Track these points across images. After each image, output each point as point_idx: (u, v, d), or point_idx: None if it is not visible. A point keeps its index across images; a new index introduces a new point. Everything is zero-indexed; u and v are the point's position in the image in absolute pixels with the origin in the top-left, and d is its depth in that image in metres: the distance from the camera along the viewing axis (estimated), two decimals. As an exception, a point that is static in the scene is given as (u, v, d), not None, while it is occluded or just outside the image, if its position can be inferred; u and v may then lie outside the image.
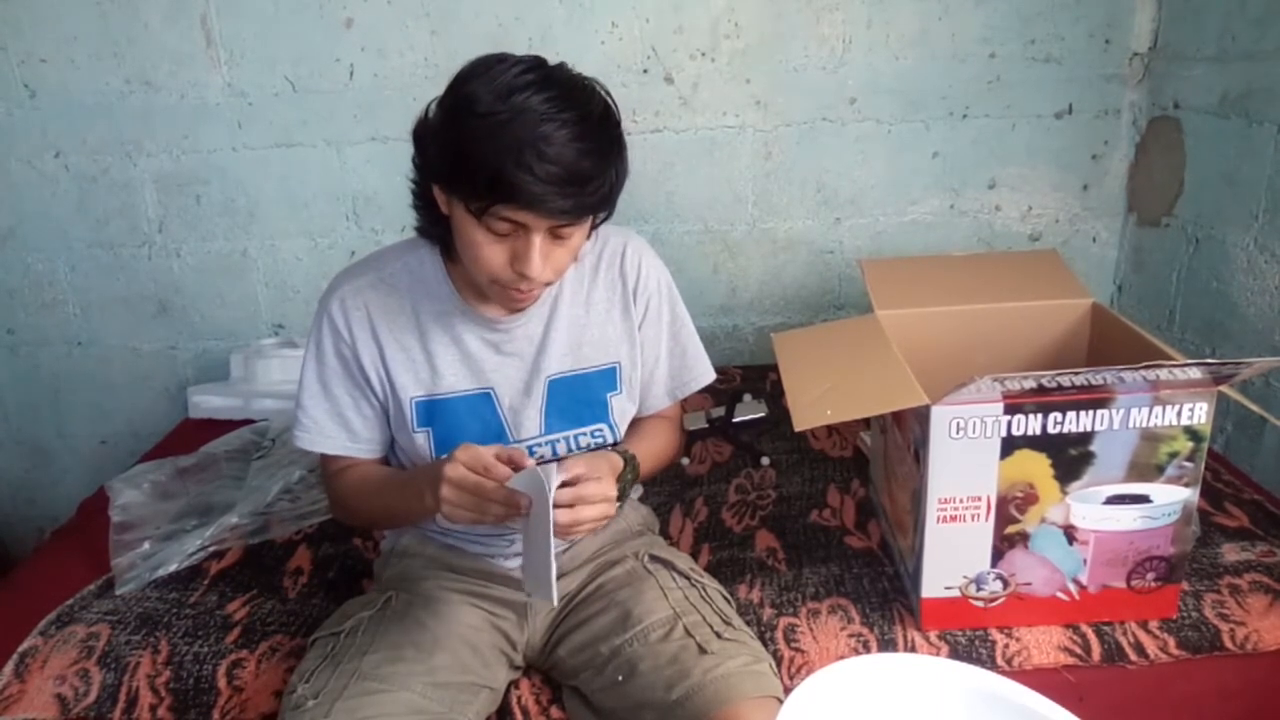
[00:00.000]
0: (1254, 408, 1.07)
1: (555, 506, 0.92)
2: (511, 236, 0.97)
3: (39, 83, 1.98)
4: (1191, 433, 1.10)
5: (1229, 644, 1.17)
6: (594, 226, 1.05)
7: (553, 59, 0.99)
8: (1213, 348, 1.78)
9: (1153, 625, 1.20)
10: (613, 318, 1.17)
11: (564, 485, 0.96)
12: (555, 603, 0.97)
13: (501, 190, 0.91)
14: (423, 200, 1.07)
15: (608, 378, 1.17)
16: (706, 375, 1.25)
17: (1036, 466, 1.12)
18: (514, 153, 0.90)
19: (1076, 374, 1.05)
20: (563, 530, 0.95)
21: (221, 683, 1.20)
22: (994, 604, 1.19)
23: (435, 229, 1.08)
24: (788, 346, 1.32)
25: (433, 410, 1.12)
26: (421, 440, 1.12)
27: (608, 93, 0.99)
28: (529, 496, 0.93)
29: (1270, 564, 1.28)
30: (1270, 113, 1.58)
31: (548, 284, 1.04)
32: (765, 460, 1.67)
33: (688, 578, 1.17)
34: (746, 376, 2.05)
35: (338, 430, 1.14)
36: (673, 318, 1.22)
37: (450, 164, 0.96)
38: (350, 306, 1.10)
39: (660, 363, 1.22)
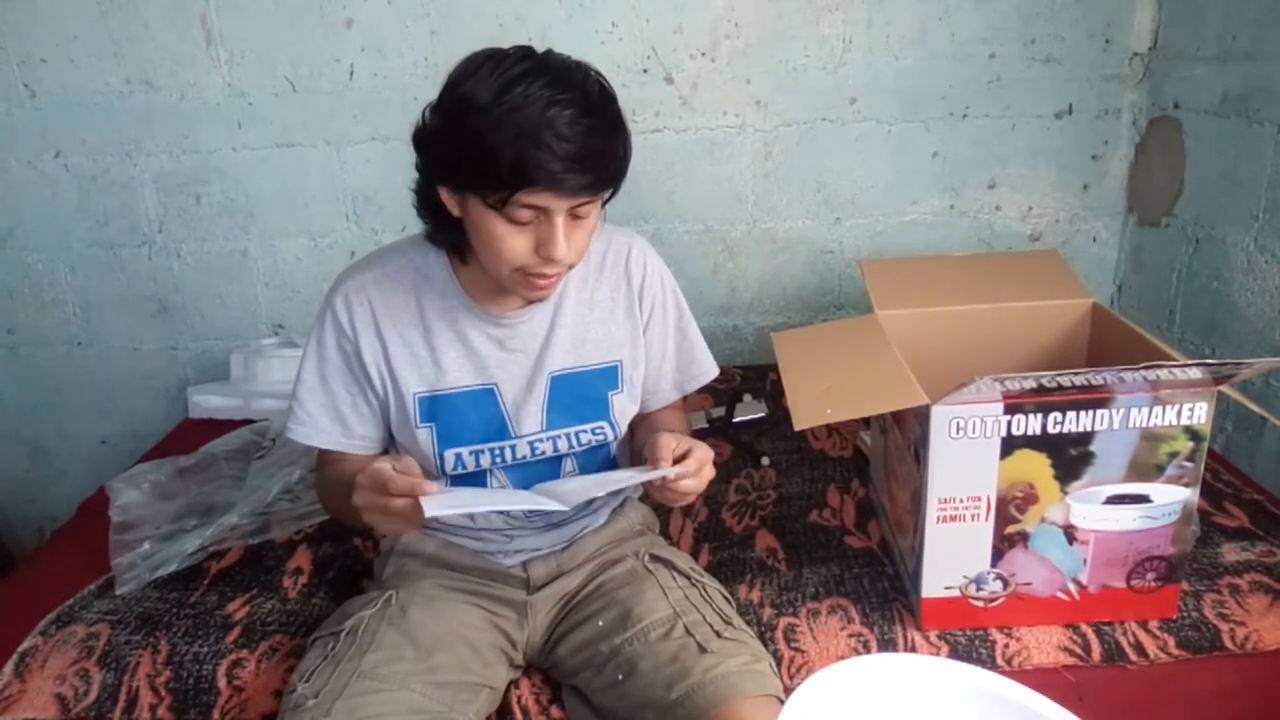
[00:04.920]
0: (1254, 408, 1.07)
1: (680, 479, 1.01)
2: (533, 224, 0.98)
3: (39, 83, 1.98)
4: (1191, 433, 1.10)
5: (1229, 644, 1.17)
6: (604, 204, 1.05)
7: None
8: (1213, 348, 1.78)
9: (1153, 625, 1.20)
10: (616, 317, 1.18)
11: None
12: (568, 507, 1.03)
13: (523, 175, 0.92)
14: (429, 206, 1.07)
15: (609, 376, 1.17)
16: (711, 371, 1.27)
17: (1036, 466, 1.12)
18: (529, 137, 0.91)
19: (1076, 374, 1.05)
20: (681, 496, 1.03)
21: (221, 683, 1.20)
22: (994, 604, 1.19)
23: (445, 234, 1.08)
24: (788, 346, 1.32)
25: (435, 406, 1.12)
26: (424, 436, 1.12)
27: (599, 73, 1.00)
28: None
29: (1270, 564, 1.28)
30: (1270, 113, 1.58)
31: (571, 267, 1.04)
32: (765, 460, 1.67)
33: (688, 577, 1.17)
34: (746, 376, 2.05)
35: (332, 425, 1.14)
36: (678, 315, 1.23)
37: (461, 162, 0.96)
38: (354, 302, 1.10)
39: (667, 358, 1.23)
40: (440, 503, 0.93)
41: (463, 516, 1.19)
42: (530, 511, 1.18)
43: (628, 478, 1.09)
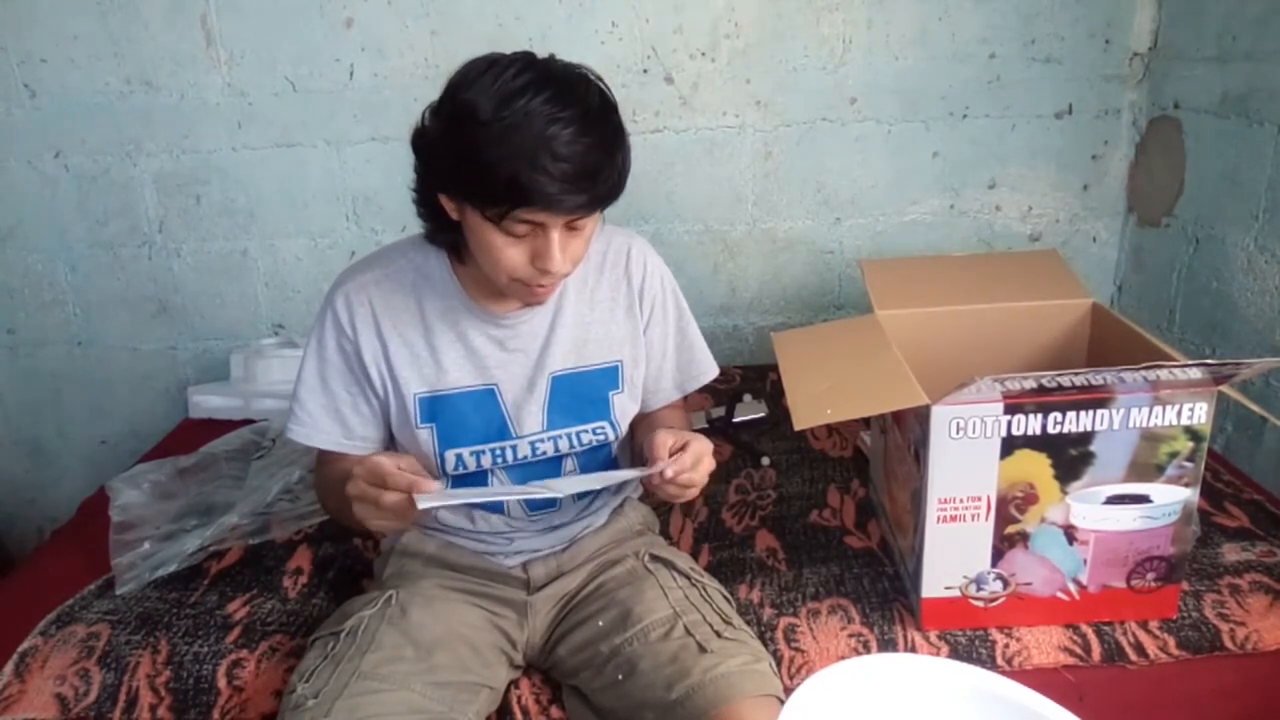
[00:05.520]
0: (1254, 408, 1.08)
1: (678, 475, 1.01)
2: (529, 235, 0.98)
3: (39, 83, 1.98)
4: (1191, 433, 1.10)
5: (1229, 644, 1.17)
6: (602, 210, 1.05)
7: (551, 59, 0.99)
8: (1213, 348, 1.78)
9: (1153, 625, 1.20)
10: (616, 316, 1.18)
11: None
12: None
13: (519, 194, 0.92)
14: (428, 207, 1.07)
15: (610, 376, 1.17)
16: (711, 370, 1.27)
17: (1036, 466, 1.12)
18: (526, 157, 0.91)
19: (1076, 374, 1.05)
20: (681, 490, 1.03)
21: (221, 683, 1.20)
22: (994, 604, 1.19)
23: (445, 235, 1.09)
24: (788, 346, 1.32)
25: (436, 406, 1.12)
26: (425, 436, 1.12)
27: (599, 78, 0.99)
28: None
29: (1270, 564, 1.28)
30: (1270, 113, 1.58)
31: (566, 275, 1.05)
32: (765, 460, 1.67)
33: (688, 577, 1.17)
34: (746, 376, 2.05)
35: (333, 425, 1.14)
36: (678, 315, 1.24)
37: (460, 174, 0.96)
38: (355, 302, 1.10)
39: (668, 358, 1.24)
40: (434, 496, 0.94)
41: (464, 518, 1.19)
42: (527, 504, 1.19)
43: (625, 475, 1.10)
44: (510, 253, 0.99)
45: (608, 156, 0.96)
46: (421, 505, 0.91)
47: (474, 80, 0.94)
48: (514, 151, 0.91)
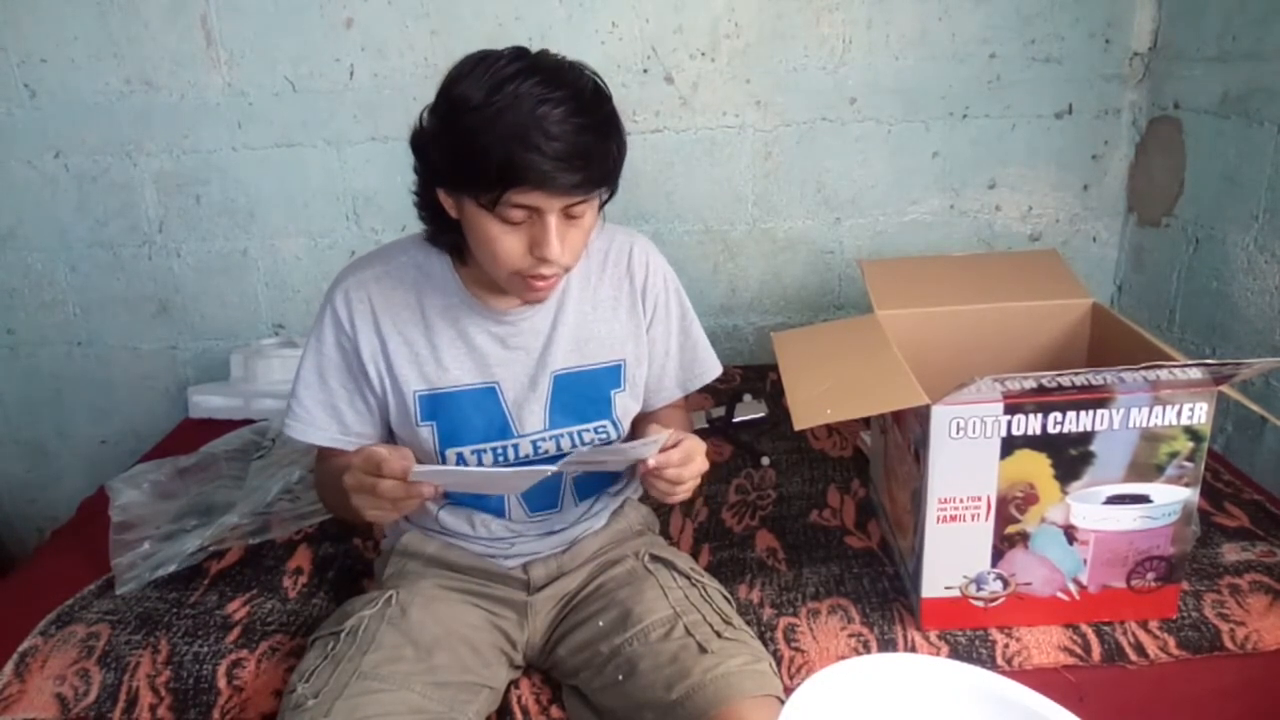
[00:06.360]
0: (1254, 408, 1.08)
1: (667, 468, 1.00)
2: (527, 224, 0.98)
3: (39, 83, 1.98)
4: (1191, 433, 1.10)
5: (1229, 644, 1.17)
6: (601, 206, 1.05)
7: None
8: (1213, 348, 1.78)
9: (1153, 625, 1.20)
10: (619, 315, 1.18)
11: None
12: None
13: (512, 174, 0.92)
14: (429, 209, 1.07)
15: (612, 375, 1.17)
16: (714, 369, 1.27)
17: (1036, 466, 1.12)
18: (518, 136, 0.91)
19: (1076, 374, 1.05)
20: (670, 487, 1.02)
21: (221, 683, 1.20)
22: (994, 604, 1.19)
23: (445, 235, 1.09)
24: (788, 346, 1.32)
25: (436, 404, 1.12)
26: (426, 434, 1.12)
27: (595, 73, 1.00)
28: (433, 485, 0.98)
29: (1270, 564, 1.28)
30: (1270, 113, 1.58)
31: (566, 269, 1.04)
32: (765, 460, 1.67)
33: (688, 577, 1.17)
34: (746, 376, 2.05)
35: (329, 422, 1.14)
36: (682, 314, 1.24)
37: (454, 162, 0.96)
38: (354, 299, 1.11)
39: (670, 356, 1.24)
40: (429, 470, 0.94)
41: (464, 523, 1.19)
42: (528, 505, 1.19)
43: (615, 449, 1.09)
44: (508, 242, 0.99)
45: (601, 138, 0.96)
46: (413, 477, 0.92)
47: (467, 73, 0.96)
48: (506, 132, 0.91)
